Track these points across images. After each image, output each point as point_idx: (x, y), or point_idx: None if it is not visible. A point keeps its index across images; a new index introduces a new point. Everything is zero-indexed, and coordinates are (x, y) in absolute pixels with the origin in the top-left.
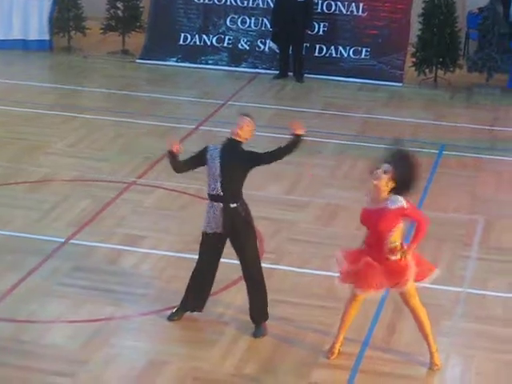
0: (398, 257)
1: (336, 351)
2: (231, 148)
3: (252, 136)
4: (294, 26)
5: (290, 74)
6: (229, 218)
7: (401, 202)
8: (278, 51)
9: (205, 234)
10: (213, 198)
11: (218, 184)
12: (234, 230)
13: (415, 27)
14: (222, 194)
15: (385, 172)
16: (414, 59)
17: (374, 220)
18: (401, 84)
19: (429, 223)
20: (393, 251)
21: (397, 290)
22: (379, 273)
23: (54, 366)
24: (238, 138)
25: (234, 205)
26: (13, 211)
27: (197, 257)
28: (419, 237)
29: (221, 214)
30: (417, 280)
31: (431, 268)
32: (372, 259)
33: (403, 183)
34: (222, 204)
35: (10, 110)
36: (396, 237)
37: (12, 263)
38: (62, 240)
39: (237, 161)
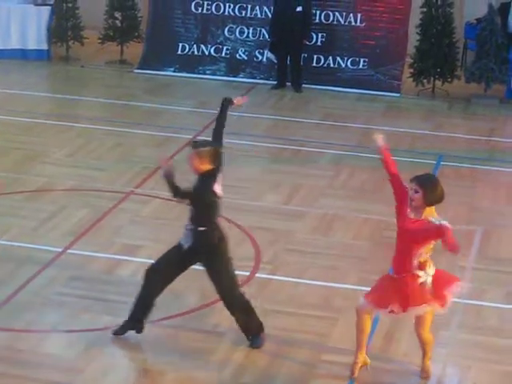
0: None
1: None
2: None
3: (205, 162)
4: (292, 36)
5: (289, 84)
6: (195, 240)
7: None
8: (275, 61)
9: (178, 244)
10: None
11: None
12: (200, 253)
13: (413, 38)
14: (190, 215)
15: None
16: (411, 70)
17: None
18: (399, 94)
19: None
20: (423, 265)
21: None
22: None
23: (50, 376)
24: (198, 173)
25: (202, 228)
26: (10, 220)
27: (194, 266)
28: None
29: (189, 233)
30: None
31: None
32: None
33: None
34: (191, 224)
35: (7, 120)
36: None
37: (9, 272)
38: (60, 250)
39: (196, 191)
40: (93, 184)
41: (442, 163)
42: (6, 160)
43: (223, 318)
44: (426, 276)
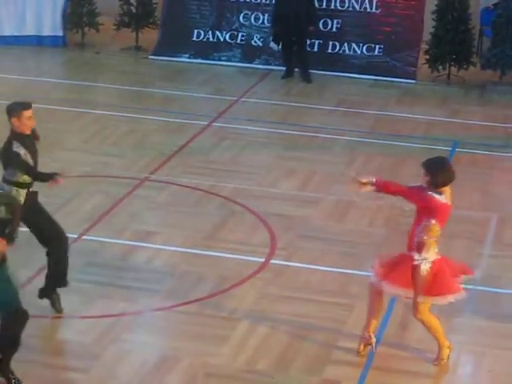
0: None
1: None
2: None
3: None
4: (297, 23)
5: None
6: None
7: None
8: (278, 50)
9: None
10: None
11: None
12: None
13: (428, 24)
14: None
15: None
16: (427, 56)
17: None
18: (414, 81)
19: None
20: (420, 246)
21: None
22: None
23: (66, 362)
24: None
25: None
26: None
27: (209, 253)
28: None
29: None
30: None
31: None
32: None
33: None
34: None
35: None
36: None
37: (25, 259)
38: (75, 236)
39: None
40: (108, 170)
41: (457, 150)
42: None
43: (239, 304)
44: (422, 259)
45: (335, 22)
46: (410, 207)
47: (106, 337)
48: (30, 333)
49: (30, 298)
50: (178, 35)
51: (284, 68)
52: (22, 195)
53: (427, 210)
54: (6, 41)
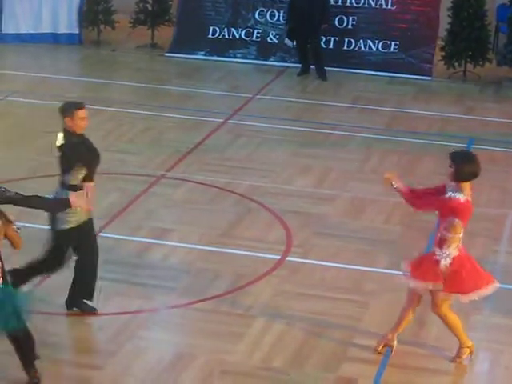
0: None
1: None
2: None
3: None
4: (310, 21)
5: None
6: None
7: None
8: (293, 47)
9: None
10: None
11: None
12: None
13: (444, 21)
14: None
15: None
16: (443, 53)
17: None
18: (430, 78)
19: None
20: (442, 242)
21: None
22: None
23: (82, 359)
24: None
25: None
26: None
27: (225, 250)
28: None
29: None
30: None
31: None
32: None
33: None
34: None
35: (39, 104)
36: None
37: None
38: None
39: None
40: (124, 167)
41: (472, 146)
42: (38, 144)
43: (255, 301)
44: (443, 255)
45: (351, 18)
46: None
47: (122, 334)
48: (46, 329)
49: (44, 295)
50: (193, 32)
51: (300, 65)
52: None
53: (450, 210)
54: (21, 38)
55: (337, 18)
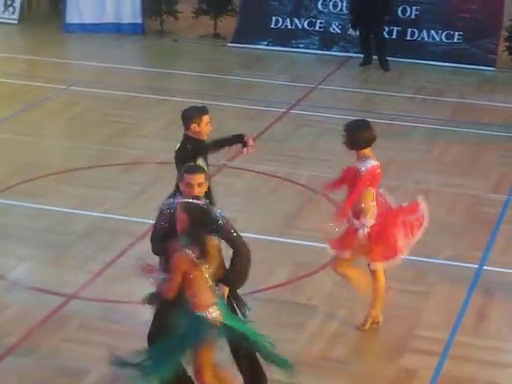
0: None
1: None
2: None
3: None
4: (373, 11)
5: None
6: None
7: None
8: (356, 37)
9: None
10: None
11: None
12: None
13: (508, 10)
14: None
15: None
16: (507, 43)
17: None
18: (493, 68)
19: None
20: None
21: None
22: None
23: (144, 346)
24: None
25: None
26: (104, 193)
27: (286, 240)
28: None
29: None
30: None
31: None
32: None
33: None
34: None
35: (103, 93)
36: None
37: (103, 244)
38: (152, 222)
39: None
40: None
41: None
42: (102, 133)
43: (316, 291)
44: (360, 225)
45: (414, 9)
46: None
47: None
48: (108, 317)
49: (108, 283)
50: (256, 22)
51: (362, 55)
52: None
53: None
54: (85, 28)
55: (400, 8)
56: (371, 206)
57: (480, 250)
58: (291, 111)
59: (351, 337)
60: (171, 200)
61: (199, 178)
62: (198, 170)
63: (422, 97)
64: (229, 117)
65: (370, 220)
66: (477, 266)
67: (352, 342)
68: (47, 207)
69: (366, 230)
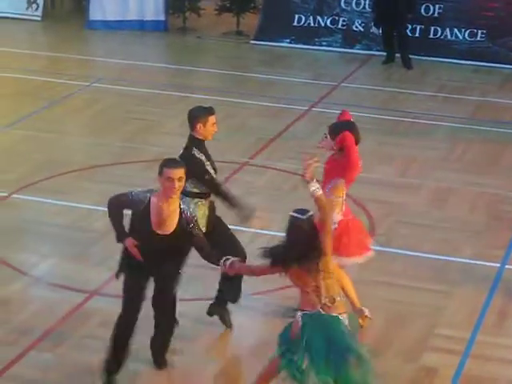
0: None
1: None
2: None
3: None
4: (396, 8)
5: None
6: None
7: None
8: (379, 35)
9: None
10: None
11: None
12: None
13: None
14: None
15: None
16: None
17: None
18: None
19: None
20: None
21: None
22: None
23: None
24: None
25: None
26: (127, 190)
27: None
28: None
29: None
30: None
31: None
32: None
33: None
34: None
35: (126, 90)
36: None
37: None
38: None
39: None
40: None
41: None
42: (124, 130)
43: None
44: None
45: (437, 7)
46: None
47: (203, 319)
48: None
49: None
50: (278, 20)
51: (385, 53)
52: (205, 206)
53: (340, 168)
54: (109, 25)
55: (423, 6)
56: (340, 201)
57: (501, 249)
58: (313, 109)
59: (370, 335)
60: (147, 194)
61: (179, 172)
62: (178, 164)
63: (444, 95)
64: (251, 114)
65: (337, 215)
66: (498, 265)
67: (371, 341)
68: (70, 204)
69: (335, 226)
